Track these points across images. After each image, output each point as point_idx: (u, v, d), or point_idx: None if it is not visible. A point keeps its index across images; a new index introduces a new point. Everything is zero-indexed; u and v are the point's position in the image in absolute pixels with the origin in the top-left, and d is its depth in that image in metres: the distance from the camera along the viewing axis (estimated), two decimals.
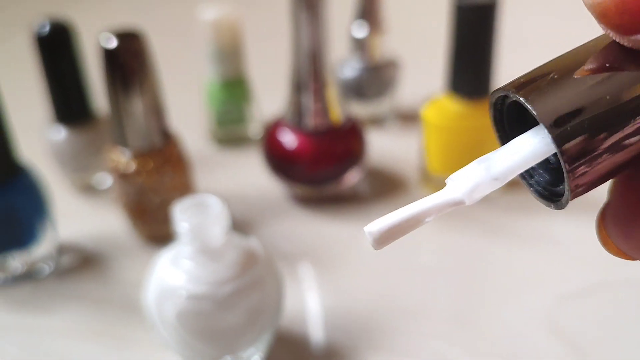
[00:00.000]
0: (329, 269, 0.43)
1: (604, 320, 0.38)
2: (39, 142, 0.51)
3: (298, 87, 0.45)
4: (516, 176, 0.16)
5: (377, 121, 0.61)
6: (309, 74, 0.44)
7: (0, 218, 0.40)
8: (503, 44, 0.46)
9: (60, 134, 0.49)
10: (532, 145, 0.15)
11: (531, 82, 0.15)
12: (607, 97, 0.14)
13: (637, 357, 0.36)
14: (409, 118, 0.61)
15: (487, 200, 0.49)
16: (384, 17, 0.57)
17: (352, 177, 0.49)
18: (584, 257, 0.43)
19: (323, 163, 0.47)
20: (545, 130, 0.14)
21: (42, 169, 0.46)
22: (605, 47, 0.15)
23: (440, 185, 0.49)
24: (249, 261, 0.33)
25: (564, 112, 0.14)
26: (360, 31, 0.56)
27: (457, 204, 0.15)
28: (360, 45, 0.57)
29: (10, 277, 0.42)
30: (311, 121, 0.46)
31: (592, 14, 0.15)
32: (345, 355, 0.36)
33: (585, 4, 0.15)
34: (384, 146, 0.56)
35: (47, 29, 0.46)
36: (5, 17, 0.97)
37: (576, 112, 0.14)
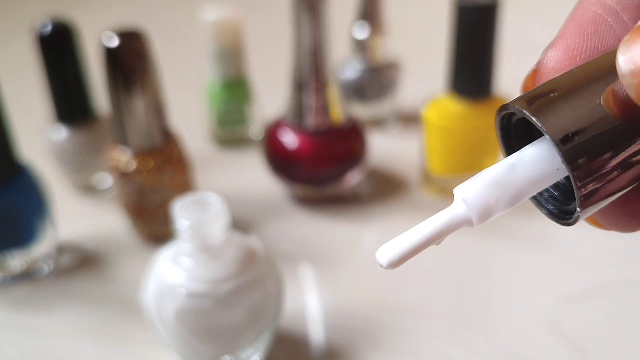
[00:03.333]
0: (329, 269, 0.43)
1: (606, 322, 0.38)
2: (40, 141, 0.51)
3: (299, 86, 0.45)
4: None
5: (378, 122, 0.61)
6: (310, 72, 0.44)
7: None
8: (504, 45, 0.46)
9: (61, 133, 0.49)
10: (545, 168, 0.15)
11: (539, 99, 0.15)
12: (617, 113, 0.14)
13: (639, 358, 0.36)
14: (409, 119, 0.61)
15: None
16: (385, 18, 0.57)
17: (353, 178, 0.49)
18: (586, 258, 0.43)
19: (324, 163, 0.47)
20: (556, 149, 0.14)
21: (43, 168, 0.46)
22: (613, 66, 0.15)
23: (441, 186, 0.49)
24: (249, 259, 0.33)
25: (573, 130, 0.14)
26: (361, 32, 0.56)
27: (467, 225, 0.15)
28: (361, 47, 0.57)
29: (10, 276, 0.42)
30: (312, 121, 0.46)
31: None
32: (346, 356, 0.36)
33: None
34: (385, 147, 0.56)
35: (49, 28, 0.46)
36: (7, 16, 0.97)
37: (585, 130, 0.14)
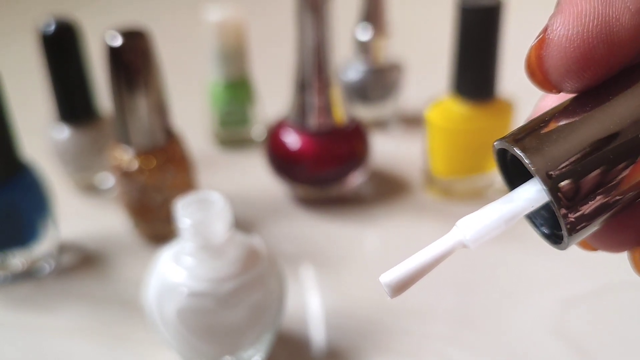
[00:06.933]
0: (331, 270, 0.43)
1: (610, 323, 0.38)
2: (42, 140, 0.51)
3: (302, 87, 0.45)
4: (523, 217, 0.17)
5: (381, 124, 0.61)
6: (313, 72, 0.44)
7: (1, 215, 0.40)
8: (508, 46, 0.46)
9: (63, 132, 0.49)
10: (529, 196, 0.16)
11: (528, 134, 0.15)
12: (601, 150, 0.15)
13: None
14: (412, 121, 0.61)
15: None
16: (388, 19, 0.57)
17: (355, 179, 0.49)
18: (589, 260, 0.43)
19: (326, 164, 0.47)
20: (542, 184, 0.15)
21: (45, 167, 0.46)
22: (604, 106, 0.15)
23: (443, 187, 0.49)
24: (251, 259, 0.32)
25: (556, 165, 0.15)
26: (364, 34, 0.56)
27: (462, 246, 0.16)
28: (364, 48, 0.57)
29: (11, 275, 0.42)
30: (315, 121, 0.46)
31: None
32: (348, 357, 0.36)
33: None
34: (388, 148, 0.56)
35: (52, 28, 0.46)
36: (11, 16, 0.97)
37: (568, 165, 0.15)
